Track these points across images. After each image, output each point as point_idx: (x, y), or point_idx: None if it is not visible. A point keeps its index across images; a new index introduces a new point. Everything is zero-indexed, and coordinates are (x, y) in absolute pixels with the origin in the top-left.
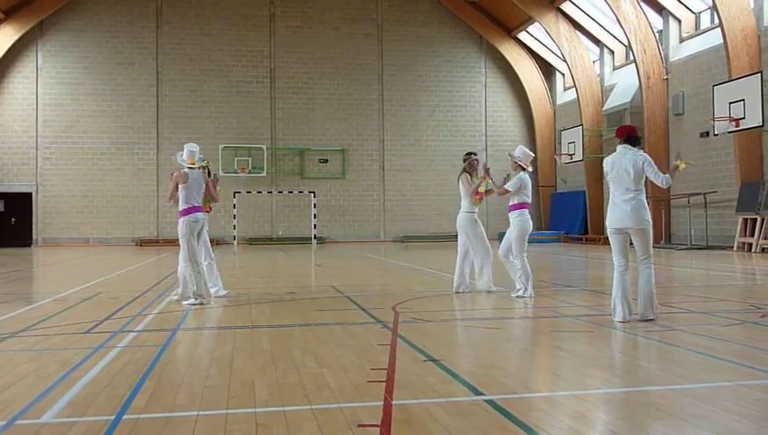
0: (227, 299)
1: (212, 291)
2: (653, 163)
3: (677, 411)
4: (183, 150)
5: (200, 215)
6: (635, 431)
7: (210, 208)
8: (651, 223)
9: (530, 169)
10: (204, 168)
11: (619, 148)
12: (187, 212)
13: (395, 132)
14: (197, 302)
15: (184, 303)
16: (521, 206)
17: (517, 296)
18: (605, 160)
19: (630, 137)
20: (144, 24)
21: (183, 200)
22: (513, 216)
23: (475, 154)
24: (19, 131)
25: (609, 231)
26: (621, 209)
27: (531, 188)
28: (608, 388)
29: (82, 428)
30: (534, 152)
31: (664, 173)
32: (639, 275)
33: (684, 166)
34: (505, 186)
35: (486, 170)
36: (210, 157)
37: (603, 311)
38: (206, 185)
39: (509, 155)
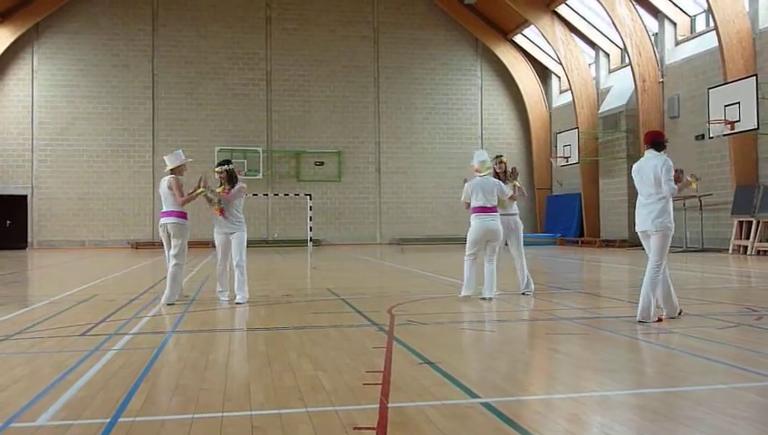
0: (222, 301)
1: (219, 295)
2: (671, 170)
3: (673, 414)
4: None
5: (162, 220)
6: (631, 434)
7: (222, 210)
8: (671, 229)
9: (484, 172)
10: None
11: (646, 153)
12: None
13: (391, 135)
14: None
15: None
16: (472, 210)
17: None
18: (634, 165)
19: (655, 142)
20: (140, 26)
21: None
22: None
23: (498, 156)
24: (14, 133)
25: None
26: (641, 213)
27: (482, 191)
28: (604, 390)
29: (78, 431)
30: (530, 155)
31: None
32: (644, 277)
33: (695, 186)
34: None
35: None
36: (206, 159)
37: (599, 313)
38: (171, 189)
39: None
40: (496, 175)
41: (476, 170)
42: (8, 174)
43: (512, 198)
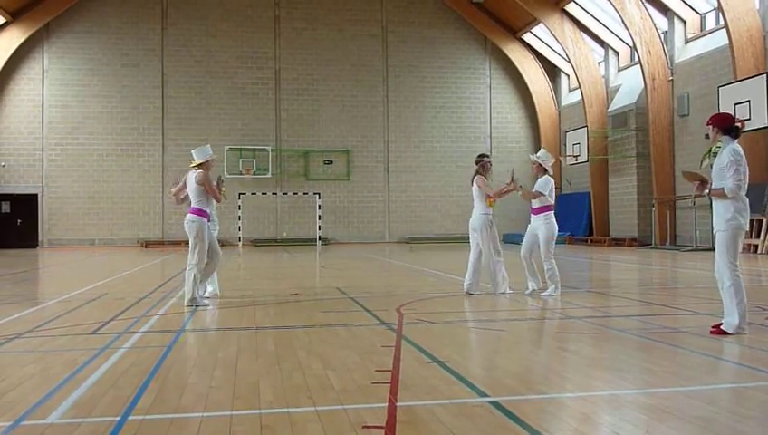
0: (231, 300)
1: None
2: (737, 163)
3: (682, 413)
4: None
5: (187, 217)
6: (640, 433)
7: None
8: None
9: (551, 171)
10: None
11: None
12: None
13: (399, 133)
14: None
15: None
16: (548, 208)
17: (549, 295)
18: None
19: (729, 127)
20: (149, 25)
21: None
22: (539, 219)
23: (487, 156)
24: (25, 133)
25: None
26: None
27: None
28: (613, 389)
29: (88, 429)
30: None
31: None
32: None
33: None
34: (536, 188)
35: (512, 176)
36: (216, 158)
37: (609, 313)
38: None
39: (530, 157)
40: (483, 173)
41: (548, 168)
42: (19, 173)
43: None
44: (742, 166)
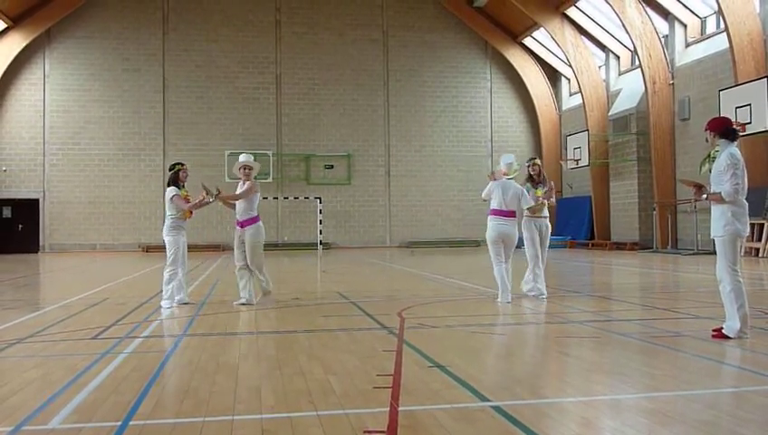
0: (232, 304)
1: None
2: (734, 167)
3: (684, 417)
4: (249, 160)
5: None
6: None
7: (191, 213)
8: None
9: (511, 175)
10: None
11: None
12: (257, 220)
13: (400, 138)
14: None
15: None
16: (489, 211)
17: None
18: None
19: (726, 131)
20: (151, 31)
21: (253, 209)
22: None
23: (532, 158)
24: (26, 138)
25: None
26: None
27: (501, 193)
28: (614, 394)
29: (89, 434)
30: (540, 158)
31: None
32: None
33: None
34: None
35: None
36: (216, 163)
37: (610, 317)
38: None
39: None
40: (530, 177)
41: (504, 173)
42: (20, 178)
43: (537, 206)
44: (739, 170)
